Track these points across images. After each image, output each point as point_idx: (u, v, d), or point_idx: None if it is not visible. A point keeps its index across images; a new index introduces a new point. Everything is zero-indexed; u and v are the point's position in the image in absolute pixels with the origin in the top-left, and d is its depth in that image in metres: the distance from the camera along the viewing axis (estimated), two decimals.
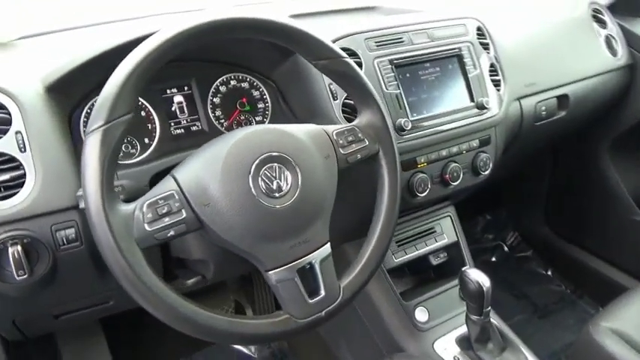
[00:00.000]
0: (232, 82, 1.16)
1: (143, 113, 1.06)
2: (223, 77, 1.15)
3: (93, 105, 1.01)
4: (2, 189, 0.82)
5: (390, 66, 1.12)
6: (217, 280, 1.08)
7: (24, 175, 0.83)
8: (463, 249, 1.40)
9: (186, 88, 1.12)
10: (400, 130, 1.09)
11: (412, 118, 1.12)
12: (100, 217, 0.67)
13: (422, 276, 1.44)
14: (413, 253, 1.33)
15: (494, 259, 2.28)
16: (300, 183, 0.79)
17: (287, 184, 0.79)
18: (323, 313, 0.81)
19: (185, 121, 1.11)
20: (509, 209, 2.30)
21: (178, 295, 0.72)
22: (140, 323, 1.56)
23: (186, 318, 0.71)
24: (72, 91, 0.91)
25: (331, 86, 1.08)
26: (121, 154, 1.02)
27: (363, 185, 0.99)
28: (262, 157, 0.77)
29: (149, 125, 1.07)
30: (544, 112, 1.43)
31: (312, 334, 1.56)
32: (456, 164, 1.19)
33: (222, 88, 1.15)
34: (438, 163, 1.18)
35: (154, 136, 1.07)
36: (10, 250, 0.79)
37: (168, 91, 1.10)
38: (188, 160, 0.78)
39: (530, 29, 1.48)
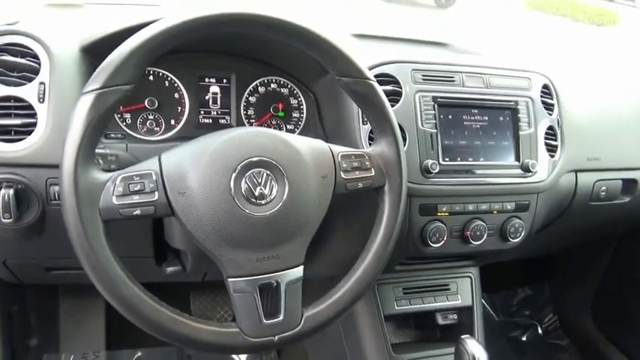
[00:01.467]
0: (272, 85, 1.15)
1: (176, 95, 1.08)
2: (265, 78, 1.14)
3: None
4: (12, 132, 0.85)
5: (432, 103, 1.05)
6: (195, 274, 1.05)
7: (35, 125, 0.86)
8: (475, 316, 1.28)
9: (225, 80, 1.12)
10: (426, 171, 1.02)
11: (443, 162, 1.04)
12: (69, 178, 0.67)
13: (425, 332, 1.33)
14: (417, 306, 1.23)
15: (524, 338, 2.08)
16: (285, 196, 0.75)
17: (271, 193, 0.75)
18: (275, 337, 0.75)
19: (215, 112, 1.11)
20: (553, 288, 2.09)
21: (128, 276, 0.70)
22: None
23: (127, 300, 0.69)
24: (101, 56, 0.93)
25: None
26: (145, 129, 1.05)
27: (372, 217, 0.93)
28: (252, 159, 0.74)
29: (179, 108, 1.08)
30: (603, 193, 1.28)
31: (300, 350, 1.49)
32: (482, 223, 1.09)
33: (261, 89, 1.14)
34: (461, 217, 1.09)
35: (181, 120, 1.08)
36: (2, 192, 0.81)
37: (206, 79, 1.11)
38: (180, 146, 0.76)
39: (607, 100, 1.34)
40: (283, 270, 0.76)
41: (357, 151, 0.84)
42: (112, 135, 0.99)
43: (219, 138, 0.75)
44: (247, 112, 1.13)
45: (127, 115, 1.05)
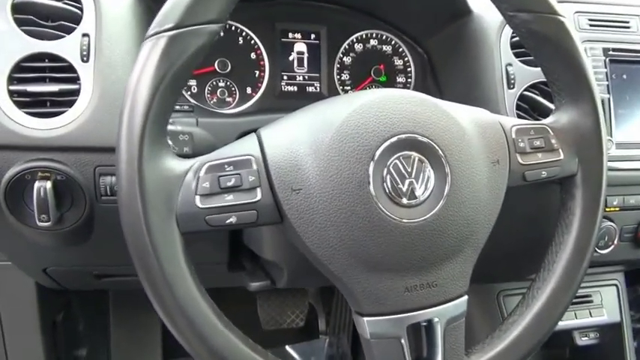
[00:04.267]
0: (372, 42, 0.89)
1: (253, 55, 0.83)
2: (363, 33, 0.88)
3: None
4: (48, 103, 0.62)
5: (602, 57, 0.77)
6: (289, 287, 0.82)
7: (78, 92, 0.62)
8: (626, 336, 1.00)
9: (313, 36, 0.86)
10: None
11: (617, 140, 0.76)
12: (131, 169, 0.43)
13: (556, 353, 1.06)
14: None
15: (635, 344, 1.78)
16: (446, 192, 0.49)
17: (426, 188, 0.49)
18: None
19: (302, 78, 0.86)
20: None
21: (219, 317, 0.46)
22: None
23: (218, 353, 0.45)
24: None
25: (509, 68, 0.75)
26: (215, 99, 0.81)
27: (523, 206, 0.68)
28: (398, 138, 0.48)
29: (256, 72, 0.84)
30: None
31: None
32: None
33: (358, 47, 0.88)
34: (637, 213, 0.81)
35: (259, 87, 0.84)
36: (36, 185, 0.59)
37: (290, 35, 0.85)
38: (285, 119, 0.51)
39: None
40: (443, 303, 0.51)
41: (536, 124, 0.58)
42: (178, 107, 0.75)
43: (345, 108, 0.50)
44: (341, 76, 0.88)
45: (192, 82, 0.81)
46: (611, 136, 0.76)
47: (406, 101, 0.50)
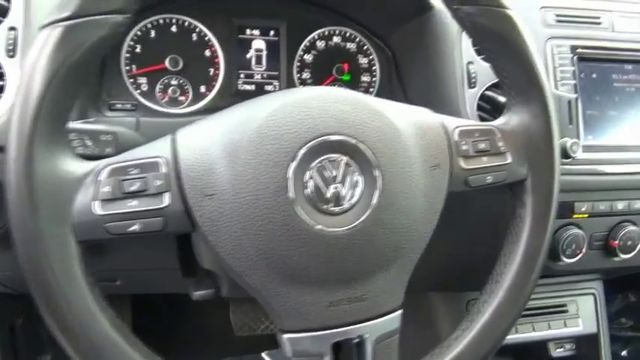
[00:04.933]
0: (335, 39, 0.85)
1: (207, 52, 0.80)
2: (325, 29, 0.84)
3: (146, 30, 0.77)
4: None
5: (570, 55, 0.73)
6: (235, 297, 0.79)
7: (2, 89, 0.59)
8: (603, 347, 0.96)
9: (272, 32, 0.83)
10: (563, 155, 0.70)
11: (585, 142, 0.72)
12: (19, 169, 0.39)
13: None
14: (527, 334, 0.92)
15: (624, 353, 1.74)
16: (376, 199, 0.45)
17: (353, 194, 0.45)
18: None
19: (260, 76, 0.83)
20: None
21: (123, 339, 0.43)
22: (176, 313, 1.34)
23: None
24: None
25: (471, 66, 0.71)
26: (166, 98, 0.78)
27: (475, 211, 0.64)
28: (323, 139, 0.45)
29: (211, 70, 0.80)
30: None
31: None
32: (635, 228, 0.77)
33: (320, 44, 0.84)
34: (607, 220, 0.77)
35: (214, 86, 0.80)
36: None
37: (247, 32, 0.82)
38: (206, 120, 0.48)
39: None
40: (372, 319, 0.47)
41: (483, 125, 0.54)
42: (119, 105, 0.72)
43: (269, 105, 0.46)
44: (302, 75, 0.84)
45: (143, 80, 0.77)
46: (579, 139, 0.72)
47: (334, 100, 0.47)
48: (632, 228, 0.76)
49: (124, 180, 0.42)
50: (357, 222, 0.45)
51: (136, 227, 0.42)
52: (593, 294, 0.98)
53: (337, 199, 0.45)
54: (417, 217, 0.48)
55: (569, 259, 0.74)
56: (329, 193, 0.45)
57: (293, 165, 0.44)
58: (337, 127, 0.45)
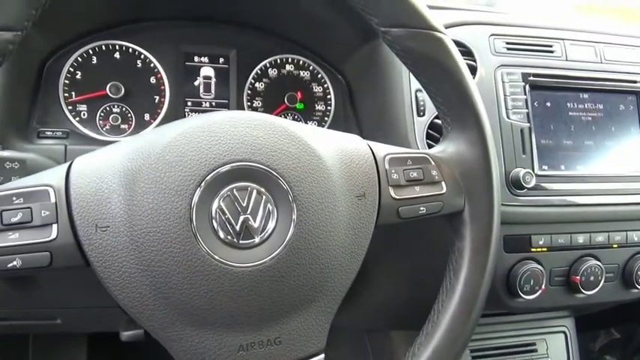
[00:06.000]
0: (288, 67, 0.83)
1: (153, 79, 0.77)
2: (277, 57, 0.82)
3: (87, 56, 0.74)
4: None
5: (521, 83, 0.71)
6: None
7: None
8: None
9: (221, 60, 0.81)
10: (516, 185, 0.67)
11: (540, 172, 0.70)
12: None
13: None
14: None
15: None
16: (291, 231, 0.42)
17: (265, 226, 0.42)
18: None
19: (208, 104, 0.80)
20: None
21: None
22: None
23: None
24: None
25: (419, 94, 0.69)
26: (107, 126, 0.74)
27: (435, 243, 0.61)
28: (231, 166, 0.41)
29: (156, 98, 0.77)
30: None
31: None
32: (597, 263, 0.73)
33: (272, 72, 0.82)
34: (567, 254, 0.73)
35: (158, 114, 0.77)
36: None
37: (195, 59, 0.80)
38: (108, 147, 0.44)
39: None
40: None
41: (417, 153, 0.50)
42: (49, 133, 0.69)
43: (173, 129, 0.43)
44: (252, 103, 0.82)
45: (83, 107, 0.74)
46: (532, 169, 0.69)
47: (246, 124, 0.43)
48: (593, 262, 0.72)
49: (5, 210, 0.38)
50: (269, 257, 0.41)
51: (16, 263, 0.38)
52: (564, 332, 0.94)
53: (247, 231, 0.41)
54: (340, 252, 0.44)
55: (528, 295, 0.70)
56: (238, 224, 0.41)
57: (198, 193, 0.40)
58: (248, 153, 0.42)
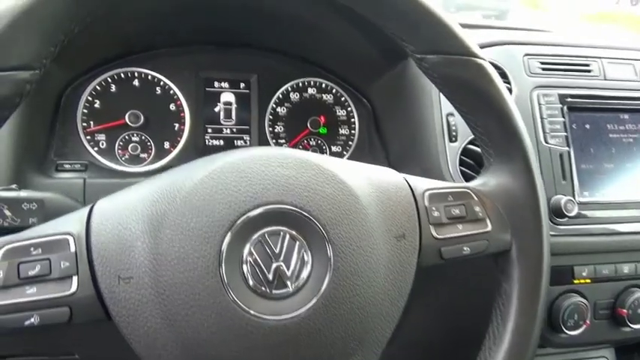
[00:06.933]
0: (310, 91, 0.80)
1: (173, 106, 0.75)
2: (299, 81, 0.80)
3: (106, 84, 0.73)
4: None
5: (559, 105, 0.67)
6: None
7: None
8: None
9: (242, 85, 0.78)
10: (557, 214, 0.63)
11: (581, 199, 0.65)
12: None
13: None
14: None
15: None
16: (327, 279, 0.38)
17: (299, 274, 0.38)
18: None
19: (229, 131, 0.77)
20: None
21: None
22: None
23: None
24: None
25: (451, 118, 0.66)
26: (127, 156, 0.72)
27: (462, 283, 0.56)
28: (263, 209, 0.38)
29: (176, 125, 0.75)
30: None
31: None
32: None
33: (294, 96, 0.80)
34: (612, 285, 0.69)
35: (178, 142, 0.75)
36: None
37: (215, 84, 0.77)
38: (130, 188, 0.41)
39: None
40: None
41: (458, 187, 0.47)
42: (67, 166, 0.66)
43: (200, 170, 0.40)
44: (274, 128, 0.79)
45: (101, 137, 0.72)
46: (574, 196, 0.65)
47: (277, 163, 0.40)
48: None
49: (22, 262, 0.36)
50: (305, 308, 0.38)
51: (34, 320, 0.35)
52: None
53: (281, 280, 0.38)
54: (380, 299, 0.41)
55: (572, 331, 0.66)
56: (270, 273, 0.37)
57: (227, 239, 0.37)
58: (279, 195, 0.39)
